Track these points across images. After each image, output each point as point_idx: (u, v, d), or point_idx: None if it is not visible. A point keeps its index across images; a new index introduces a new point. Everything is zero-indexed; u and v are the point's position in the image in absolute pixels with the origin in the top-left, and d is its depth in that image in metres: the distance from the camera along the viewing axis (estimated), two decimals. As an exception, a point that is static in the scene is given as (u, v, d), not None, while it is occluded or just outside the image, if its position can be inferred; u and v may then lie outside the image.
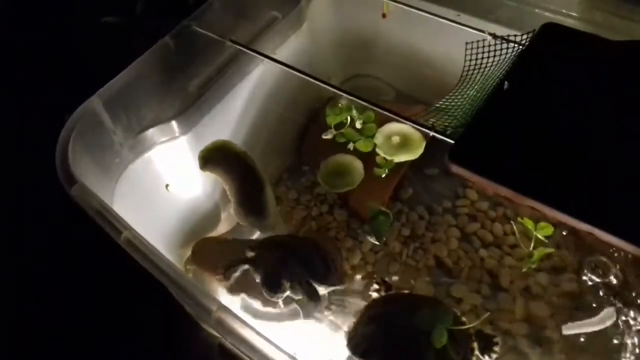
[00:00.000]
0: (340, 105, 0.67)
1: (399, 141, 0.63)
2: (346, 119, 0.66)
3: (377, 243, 0.64)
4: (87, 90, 0.57)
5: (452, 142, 0.50)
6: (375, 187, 0.65)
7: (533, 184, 0.45)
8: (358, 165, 0.64)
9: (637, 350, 0.55)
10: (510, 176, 0.46)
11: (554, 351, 0.58)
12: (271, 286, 0.53)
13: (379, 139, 0.65)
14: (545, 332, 0.59)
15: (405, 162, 0.65)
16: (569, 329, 0.55)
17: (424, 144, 0.62)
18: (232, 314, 0.42)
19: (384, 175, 0.64)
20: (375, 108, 0.57)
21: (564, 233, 0.64)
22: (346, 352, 0.51)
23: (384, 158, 0.63)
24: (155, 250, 0.45)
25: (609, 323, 0.54)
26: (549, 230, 0.60)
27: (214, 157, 0.60)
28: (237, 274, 0.56)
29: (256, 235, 0.73)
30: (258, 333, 0.41)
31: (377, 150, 0.64)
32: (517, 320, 0.61)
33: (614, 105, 0.49)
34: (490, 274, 0.64)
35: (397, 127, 0.64)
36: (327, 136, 0.66)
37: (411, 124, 0.55)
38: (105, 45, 0.86)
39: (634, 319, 0.56)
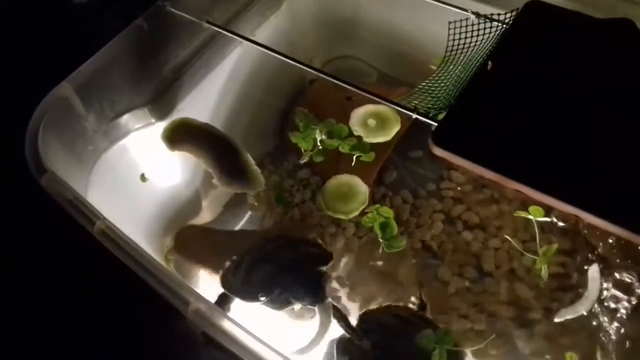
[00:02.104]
0: (299, 123, 0.62)
1: (376, 123, 0.61)
2: (314, 134, 0.63)
3: (399, 249, 0.58)
4: (56, 75, 0.55)
5: (435, 124, 0.48)
6: (360, 172, 0.64)
7: (518, 166, 0.44)
8: (357, 181, 0.61)
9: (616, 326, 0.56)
10: (494, 158, 0.45)
11: (538, 332, 0.58)
12: (315, 298, 0.51)
13: (357, 130, 0.62)
14: (529, 313, 0.59)
15: (389, 145, 0.64)
16: (561, 316, 0.55)
17: (399, 117, 0.61)
18: (210, 304, 0.41)
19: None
20: (357, 91, 0.55)
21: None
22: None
23: (354, 146, 0.61)
24: (130, 241, 0.43)
25: (595, 293, 0.53)
26: (541, 212, 0.59)
27: (179, 135, 0.59)
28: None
29: (241, 223, 0.72)
30: (236, 324, 0.40)
31: (366, 140, 0.63)
32: (503, 303, 0.60)
33: (599, 84, 0.49)
34: (475, 257, 0.64)
35: (364, 111, 0.62)
36: (305, 160, 0.62)
37: (394, 106, 0.53)
38: (76, 27, 0.84)
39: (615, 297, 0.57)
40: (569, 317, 0.55)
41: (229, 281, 0.52)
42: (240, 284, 0.51)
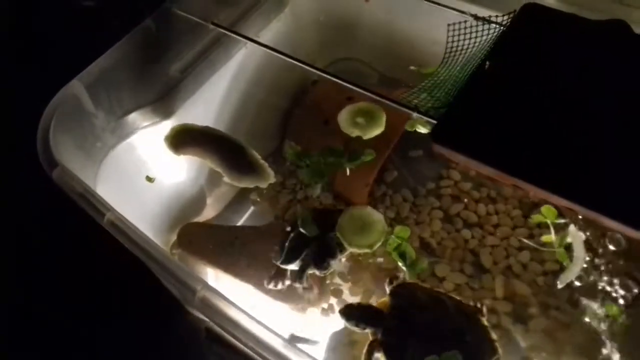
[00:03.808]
0: (293, 159, 0.63)
1: (364, 119, 0.62)
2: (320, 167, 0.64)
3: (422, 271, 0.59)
4: (68, 74, 0.56)
5: (435, 122, 0.50)
6: (360, 171, 0.65)
7: (516, 162, 0.45)
8: (369, 211, 0.60)
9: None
10: (493, 155, 0.46)
11: (535, 327, 0.59)
12: (321, 267, 0.56)
13: (353, 132, 0.63)
14: (527, 309, 0.60)
15: (389, 144, 0.65)
16: (562, 282, 0.57)
17: (380, 107, 0.62)
18: (217, 293, 0.42)
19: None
20: (359, 90, 0.57)
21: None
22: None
23: (352, 157, 0.62)
24: (139, 231, 0.45)
25: (582, 251, 0.56)
26: (554, 213, 0.61)
27: (182, 140, 0.60)
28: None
29: (243, 219, 0.73)
30: (244, 312, 0.41)
31: (365, 137, 0.64)
32: (500, 299, 0.61)
33: (595, 84, 0.50)
34: (473, 254, 0.65)
35: (347, 113, 0.63)
36: (317, 193, 0.64)
37: (395, 105, 0.55)
38: (86, 29, 0.85)
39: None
40: (569, 280, 0.57)
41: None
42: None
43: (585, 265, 0.57)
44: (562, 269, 0.61)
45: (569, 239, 0.57)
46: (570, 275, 0.57)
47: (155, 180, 0.65)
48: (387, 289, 0.55)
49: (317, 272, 0.55)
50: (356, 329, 0.52)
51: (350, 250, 0.56)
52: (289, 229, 0.60)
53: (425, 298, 0.53)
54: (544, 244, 0.62)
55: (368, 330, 0.52)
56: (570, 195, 0.44)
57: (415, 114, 0.53)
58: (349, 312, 0.52)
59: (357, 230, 0.57)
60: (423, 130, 0.54)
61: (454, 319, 0.52)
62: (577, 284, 0.58)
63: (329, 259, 0.55)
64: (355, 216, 0.58)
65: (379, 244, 0.56)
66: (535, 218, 0.62)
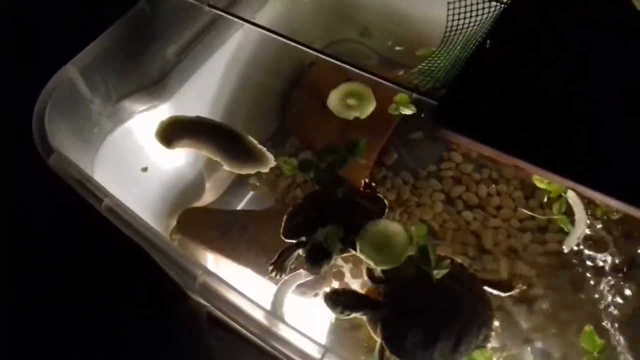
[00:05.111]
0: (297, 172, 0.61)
1: (354, 99, 0.61)
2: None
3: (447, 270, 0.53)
4: (62, 58, 0.55)
5: (435, 103, 0.49)
6: (360, 154, 0.65)
7: (517, 142, 0.45)
8: (386, 224, 0.54)
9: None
10: (494, 135, 0.45)
11: (537, 308, 0.59)
12: (313, 265, 0.52)
13: (350, 115, 0.62)
14: (530, 290, 0.60)
15: (389, 126, 0.65)
16: (567, 246, 0.58)
17: (368, 88, 0.61)
18: (218, 277, 0.41)
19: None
20: (357, 71, 0.56)
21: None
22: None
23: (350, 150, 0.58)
24: (138, 217, 0.44)
25: (583, 215, 0.57)
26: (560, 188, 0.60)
27: (173, 133, 0.59)
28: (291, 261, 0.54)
29: (243, 203, 0.73)
30: (244, 296, 0.41)
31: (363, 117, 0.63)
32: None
33: (597, 61, 0.49)
34: (475, 236, 0.65)
35: (337, 96, 0.62)
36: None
37: (394, 86, 0.54)
38: (79, 11, 0.84)
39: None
40: (573, 244, 0.58)
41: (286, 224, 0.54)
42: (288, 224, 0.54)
43: (587, 231, 0.58)
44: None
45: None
46: (575, 239, 0.57)
47: (154, 166, 0.65)
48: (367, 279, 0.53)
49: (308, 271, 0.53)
50: (342, 316, 0.49)
51: (379, 269, 0.52)
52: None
53: (415, 272, 0.51)
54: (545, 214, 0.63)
55: (355, 315, 0.50)
56: (573, 175, 0.43)
57: (400, 94, 0.53)
58: (334, 298, 0.49)
59: (380, 247, 0.52)
60: (407, 112, 0.54)
61: (448, 287, 0.50)
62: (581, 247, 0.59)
63: (326, 261, 0.51)
64: (373, 234, 0.53)
65: (406, 255, 0.51)
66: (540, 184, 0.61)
